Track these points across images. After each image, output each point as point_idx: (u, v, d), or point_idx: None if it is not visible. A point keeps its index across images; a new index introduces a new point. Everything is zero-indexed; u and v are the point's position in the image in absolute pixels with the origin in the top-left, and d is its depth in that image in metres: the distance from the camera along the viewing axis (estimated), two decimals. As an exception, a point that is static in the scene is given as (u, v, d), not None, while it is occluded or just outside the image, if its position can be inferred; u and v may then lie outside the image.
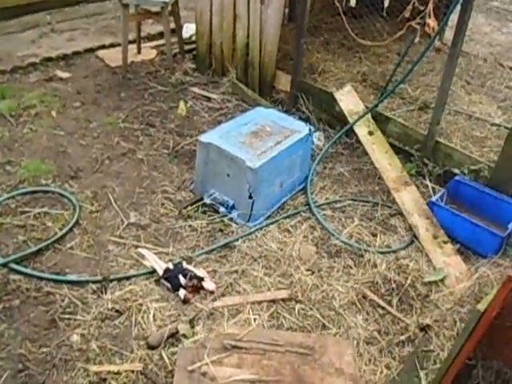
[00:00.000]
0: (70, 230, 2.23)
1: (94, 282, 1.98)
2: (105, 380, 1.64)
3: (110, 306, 1.89)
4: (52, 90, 3.41)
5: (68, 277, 1.98)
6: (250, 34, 3.36)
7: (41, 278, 1.95)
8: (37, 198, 2.42)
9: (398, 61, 3.02)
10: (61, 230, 2.22)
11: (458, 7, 2.55)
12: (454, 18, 2.71)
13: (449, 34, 3.75)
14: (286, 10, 4.06)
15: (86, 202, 2.44)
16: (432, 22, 3.76)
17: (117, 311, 1.88)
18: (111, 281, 2.00)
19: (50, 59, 3.81)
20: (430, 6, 3.43)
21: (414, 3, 3.55)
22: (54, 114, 3.14)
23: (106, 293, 1.95)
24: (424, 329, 1.96)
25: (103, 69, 3.79)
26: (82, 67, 3.80)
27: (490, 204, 2.45)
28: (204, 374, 1.62)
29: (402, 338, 1.91)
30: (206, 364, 1.64)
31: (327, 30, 4.44)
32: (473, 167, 2.59)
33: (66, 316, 1.84)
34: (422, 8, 3.51)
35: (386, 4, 4.77)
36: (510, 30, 5.63)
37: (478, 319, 1.35)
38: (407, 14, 3.68)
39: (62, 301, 1.89)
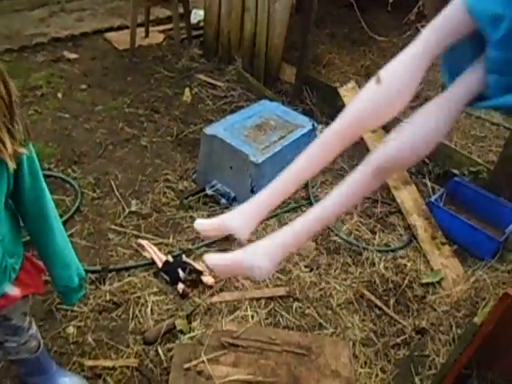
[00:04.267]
0: (71, 216, 2.04)
1: (93, 271, 1.81)
2: (100, 376, 1.49)
3: (108, 297, 1.73)
4: (59, 70, 3.13)
5: (66, 266, 1.80)
6: (258, 26, 3.07)
7: (39, 267, 1.77)
8: (38, 182, 2.21)
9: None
10: (62, 216, 2.02)
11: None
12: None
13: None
14: (294, 1, 3.74)
15: (87, 189, 2.23)
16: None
17: (114, 303, 1.72)
18: (110, 271, 1.83)
19: (58, 39, 3.50)
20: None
21: (419, 7, 3.27)
22: (59, 95, 2.88)
23: (104, 283, 1.78)
24: (420, 332, 1.81)
25: (110, 51, 3.49)
26: (90, 49, 3.50)
27: (488, 206, 2.26)
28: (200, 373, 1.47)
29: (398, 340, 1.76)
30: (203, 362, 1.49)
31: (333, 21, 4.14)
32: (472, 169, 2.40)
33: (63, 307, 1.67)
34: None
35: (392, -1, 4.45)
36: None
37: (475, 331, 1.25)
38: (412, 17, 3.40)
39: (60, 291, 1.72)
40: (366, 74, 3.44)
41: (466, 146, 2.69)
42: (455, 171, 2.41)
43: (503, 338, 1.25)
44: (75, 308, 1.68)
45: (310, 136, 2.38)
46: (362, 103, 0.69)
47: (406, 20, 3.66)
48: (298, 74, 2.98)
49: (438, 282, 1.96)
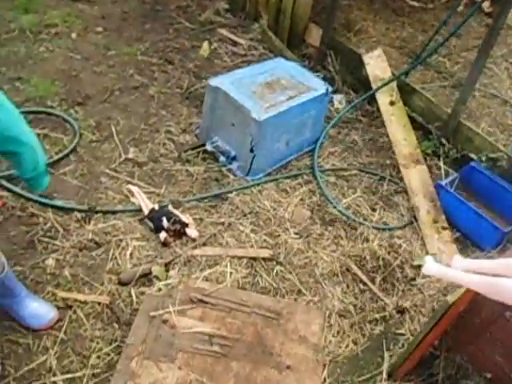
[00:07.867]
0: (67, 155, 2.11)
1: (80, 210, 1.88)
2: (70, 307, 1.58)
3: (90, 236, 1.80)
4: (77, 10, 3.16)
5: (55, 201, 1.88)
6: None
7: (27, 199, 1.86)
8: (39, 118, 2.29)
9: (437, 27, 2.58)
10: (57, 154, 2.10)
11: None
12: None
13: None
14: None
15: (87, 131, 2.29)
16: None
17: (96, 243, 1.79)
18: (96, 212, 1.90)
19: (81, -22, 3.51)
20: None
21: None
22: (73, 36, 2.92)
23: (89, 223, 1.85)
24: (401, 311, 1.80)
25: (133, -4, 3.48)
26: (112, -8, 3.50)
27: (501, 196, 2.15)
28: (165, 322, 1.53)
29: (377, 316, 1.76)
30: (169, 312, 1.55)
31: (375, -15, 3.92)
32: (491, 155, 2.26)
33: (46, 239, 1.77)
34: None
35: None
36: None
37: (446, 310, 1.22)
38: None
39: (45, 224, 1.81)
40: (400, 47, 3.28)
41: (494, 133, 2.54)
42: (473, 156, 2.29)
43: (475, 323, 1.22)
44: (57, 242, 1.77)
45: (322, 101, 2.31)
46: None
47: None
48: (324, 37, 2.88)
49: (431, 266, 1.92)
